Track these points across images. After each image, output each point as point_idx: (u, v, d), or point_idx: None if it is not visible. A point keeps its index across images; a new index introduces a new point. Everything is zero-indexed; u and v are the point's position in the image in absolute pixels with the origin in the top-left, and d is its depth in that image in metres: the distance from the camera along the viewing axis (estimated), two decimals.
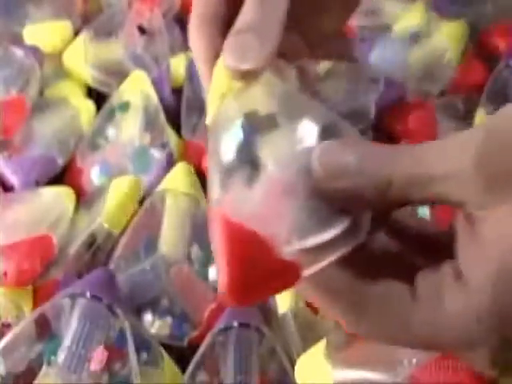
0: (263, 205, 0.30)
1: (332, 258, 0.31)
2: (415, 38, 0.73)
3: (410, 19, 0.73)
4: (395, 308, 0.31)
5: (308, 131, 0.32)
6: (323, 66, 0.72)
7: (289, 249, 0.30)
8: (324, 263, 0.31)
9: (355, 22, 0.73)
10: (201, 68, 0.37)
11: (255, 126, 0.32)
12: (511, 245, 0.29)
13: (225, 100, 0.33)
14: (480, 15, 0.77)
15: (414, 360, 0.44)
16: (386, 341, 0.32)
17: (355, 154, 0.30)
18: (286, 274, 0.30)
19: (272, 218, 0.30)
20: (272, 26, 0.34)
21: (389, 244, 0.34)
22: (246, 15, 0.34)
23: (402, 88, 0.70)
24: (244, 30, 0.34)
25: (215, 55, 0.35)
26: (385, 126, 0.70)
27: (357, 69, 0.72)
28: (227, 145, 0.32)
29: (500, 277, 0.29)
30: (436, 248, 0.33)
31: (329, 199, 0.31)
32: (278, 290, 0.32)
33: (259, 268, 0.30)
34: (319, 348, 0.49)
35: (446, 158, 0.29)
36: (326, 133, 0.32)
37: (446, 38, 0.72)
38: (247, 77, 0.33)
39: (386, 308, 0.31)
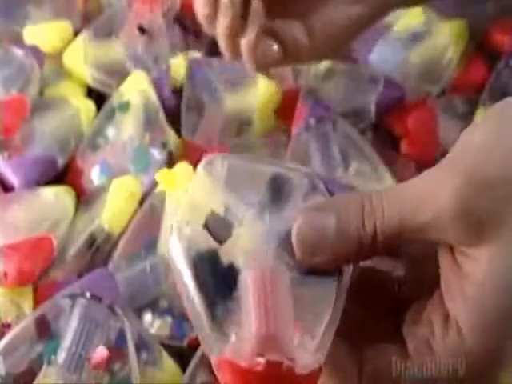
0: (258, 319, 0.30)
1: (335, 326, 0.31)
2: (415, 37, 0.72)
3: (410, 19, 0.73)
4: (390, 373, 0.31)
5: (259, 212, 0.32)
6: (323, 66, 0.72)
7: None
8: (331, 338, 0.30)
9: None
10: None
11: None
12: (497, 287, 0.29)
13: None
14: (480, 15, 0.77)
15: None
16: None
17: (331, 222, 0.30)
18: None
19: (276, 325, 0.29)
20: None
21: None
22: None
23: (402, 88, 0.70)
24: None
25: None
26: (385, 126, 0.69)
27: (357, 69, 0.72)
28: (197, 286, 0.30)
29: (487, 322, 0.29)
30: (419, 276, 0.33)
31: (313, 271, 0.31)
32: None
33: None
34: None
35: (426, 207, 0.29)
36: (274, 185, 0.32)
37: (446, 37, 0.72)
38: None
39: (381, 373, 0.31)
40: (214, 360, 0.30)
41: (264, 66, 0.57)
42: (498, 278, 0.29)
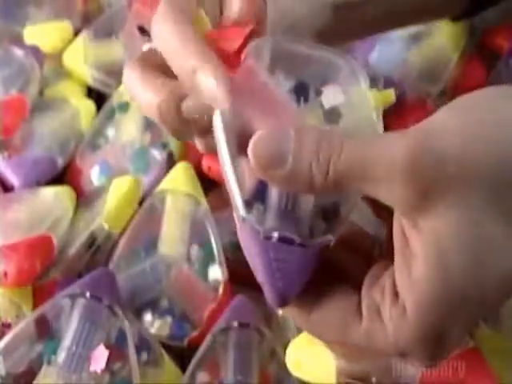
0: None
1: None
2: (415, 38, 0.72)
3: None
4: (341, 315, 0.33)
5: None
6: None
7: None
8: None
9: None
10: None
11: None
12: (437, 267, 0.30)
13: None
14: (480, 15, 0.77)
15: None
16: (325, 342, 0.35)
17: (291, 145, 0.31)
18: None
19: None
20: None
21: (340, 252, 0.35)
22: None
23: (402, 88, 0.70)
24: None
25: None
26: (385, 126, 0.69)
27: None
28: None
29: (428, 302, 0.30)
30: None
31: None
32: None
33: None
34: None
35: (377, 160, 0.30)
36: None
37: (446, 38, 0.72)
38: None
39: (333, 314, 0.33)
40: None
41: None
42: (435, 257, 0.30)
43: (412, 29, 0.73)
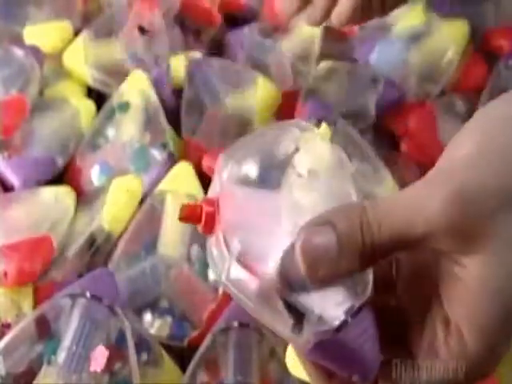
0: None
1: None
2: (415, 37, 0.72)
3: (410, 19, 0.73)
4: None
5: None
6: (323, 66, 0.72)
7: None
8: None
9: None
10: None
11: None
12: (488, 292, 0.31)
13: None
14: (480, 15, 0.77)
15: None
16: None
17: (332, 236, 0.31)
18: None
19: None
20: None
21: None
22: None
23: (402, 88, 0.70)
24: None
25: None
26: (385, 126, 0.69)
27: (357, 69, 0.72)
28: None
29: (484, 325, 0.31)
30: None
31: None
32: None
33: None
34: None
35: (417, 221, 0.31)
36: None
37: (446, 37, 0.72)
38: None
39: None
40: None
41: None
42: (489, 283, 0.31)
43: (412, 29, 0.73)
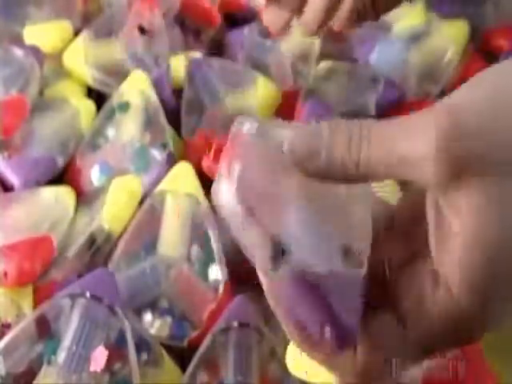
0: None
1: None
2: (415, 37, 0.73)
3: (410, 19, 0.73)
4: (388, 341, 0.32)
5: None
6: (323, 66, 0.72)
7: None
8: None
9: None
10: None
11: None
12: (486, 243, 0.29)
13: None
14: (480, 15, 0.77)
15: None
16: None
17: (324, 139, 0.31)
18: None
19: None
20: None
21: None
22: None
23: (402, 88, 0.70)
24: None
25: None
26: None
27: (357, 69, 0.72)
28: None
29: (474, 279, 0.30)
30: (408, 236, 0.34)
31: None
32: None
33: None
34: None
35: (408, 141, 0.30)
36: None
37: (446, 38, 0.72)
38: None
39: (381, 342, 0.33)
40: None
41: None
42: (480, 233, 0.29)
43: (412, 29, 0.73)
